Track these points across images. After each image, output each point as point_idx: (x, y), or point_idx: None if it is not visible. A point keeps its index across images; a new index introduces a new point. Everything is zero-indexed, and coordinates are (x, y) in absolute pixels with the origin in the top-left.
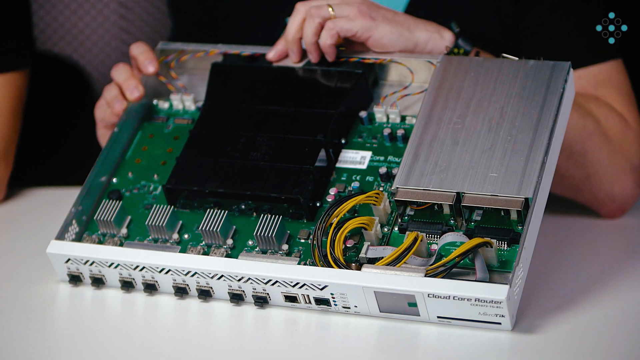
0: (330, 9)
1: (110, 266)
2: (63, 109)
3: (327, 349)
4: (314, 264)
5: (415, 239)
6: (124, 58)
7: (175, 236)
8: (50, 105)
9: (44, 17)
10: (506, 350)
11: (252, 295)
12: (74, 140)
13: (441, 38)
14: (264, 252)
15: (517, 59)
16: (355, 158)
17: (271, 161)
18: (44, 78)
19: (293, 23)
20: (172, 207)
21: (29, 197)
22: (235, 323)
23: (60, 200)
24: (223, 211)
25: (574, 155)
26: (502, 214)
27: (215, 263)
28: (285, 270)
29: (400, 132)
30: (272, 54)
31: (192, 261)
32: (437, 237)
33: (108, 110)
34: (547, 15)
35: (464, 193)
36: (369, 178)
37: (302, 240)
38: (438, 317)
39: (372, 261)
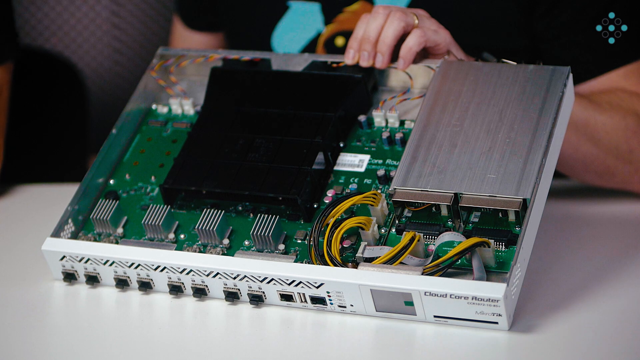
0: (415, 18)
1: (105, 264)
2: (55, 106)
3: (323, 348)
4: (310, 264)
5: (412, 239)
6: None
7: (172, 236)
8: (42, 102)
9: (36, 14)
10: (503, 350)
11: (248, 294)
12: (66, 137)
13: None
14: (260, 251)
15: (515, 63)
16: (353, 161)
17: (269, 162)
18: (36, 75)
19: (373, 25)
20: (169, 207)
21: (21, 195)
22: (230, 322)
23: (53, 198)
24: (220, 211)
25: (621, 155)
26: (500, 215)
27: (211, 260)
28: (281, 268)
29: (398, 135)
30: (350, 58)
31: (187, 258)
32: (434, 239)
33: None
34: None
35: (462, 194)
36: (367, 180)
37: (299, 241)
38: (434, 316)
39: (369, 260)
